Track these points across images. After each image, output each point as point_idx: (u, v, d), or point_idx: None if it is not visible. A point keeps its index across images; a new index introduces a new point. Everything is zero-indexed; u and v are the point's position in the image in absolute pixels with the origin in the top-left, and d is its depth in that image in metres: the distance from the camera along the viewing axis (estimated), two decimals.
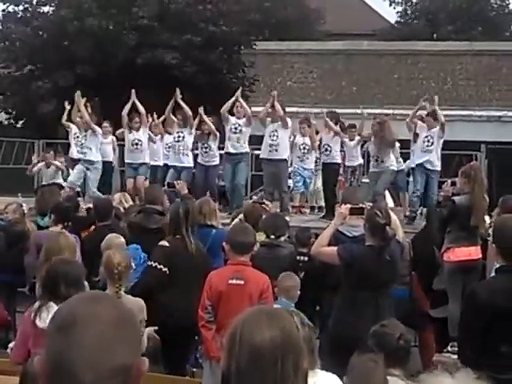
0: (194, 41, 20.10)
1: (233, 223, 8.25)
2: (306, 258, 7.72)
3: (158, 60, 19.54)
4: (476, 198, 7.78)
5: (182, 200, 8.39)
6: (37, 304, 5.16)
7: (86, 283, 5.97)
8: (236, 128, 12.76)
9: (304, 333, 3.47)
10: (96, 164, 13.25)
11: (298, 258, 7.71)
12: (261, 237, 7.26)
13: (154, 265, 6.78)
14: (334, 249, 6.21)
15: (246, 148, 12.98)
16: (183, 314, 6.47)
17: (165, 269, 6.75)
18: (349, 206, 6.59)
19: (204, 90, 19.60)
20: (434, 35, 31.74)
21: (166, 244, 6.89)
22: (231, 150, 12.80)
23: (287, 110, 13.34)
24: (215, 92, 19.73)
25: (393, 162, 12.36)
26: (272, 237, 7.39)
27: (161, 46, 19.80)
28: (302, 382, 2.19)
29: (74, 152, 14.15)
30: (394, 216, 8.02)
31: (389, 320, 4.72)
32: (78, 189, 12.92)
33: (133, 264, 6.82)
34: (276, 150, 12.43)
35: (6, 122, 21.34)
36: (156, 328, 6.22)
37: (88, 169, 13.19)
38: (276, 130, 12.47)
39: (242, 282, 5.96)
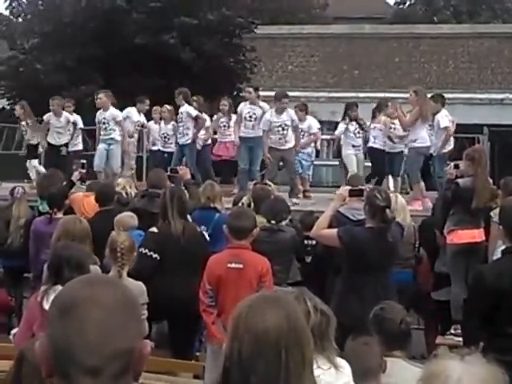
0: (195, 25, 20.01)
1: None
2: (314, 242, 7.71)
3: (159, 43, 19.43)
4: (479, 180, 7.76)
5: (184, 186, 8.39)
6: (43, 287, 5.20)
7: (97, 267, 6.00)
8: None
9: (315, 318, 3.44)
10: (119, 142, 13.35)
11: (305, 242, 7.69)
12: (261, 219, 7.23)
13: (144, 251, 6.80)
14: (335, 231, 6.20)
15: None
16: (175, 298, 6.49)
17: (155, 255, 6.78)
18: (348, 187, 6.58)
19: (201, 77, 19.54)
20: (434, 18, 31.58)
21: (156, 230, 6.92)
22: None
23: (289, 94, 13.27)
24: (213, 77, 19.67)
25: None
26: (273, 222, 7.36)
27: (163, 30, 19.72)
28: (308, 371, 2.18)
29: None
30: (401, 199, 8.02)
31: (386, 303, 4.70)
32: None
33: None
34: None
35: (9, 107, 21.28)
36: None
37: (110, 144, 13.26)
38: None
39: (241, 266, 5.96)
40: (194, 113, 13.03)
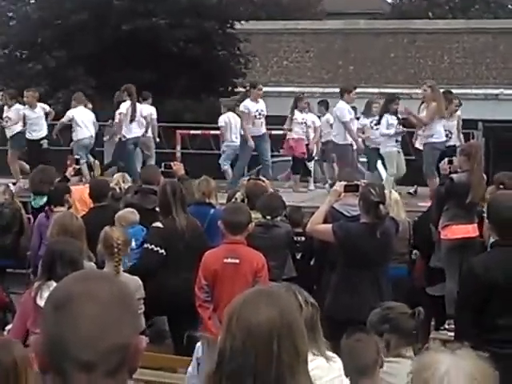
0: (186, 6, 19.82)
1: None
2: (303, 238, 7.73)
3: (149, 27, 19.18)
4: (475, 175, 7.79)
5: (179, 180, 8.39)
6: (37, 283, 5.20)
7: (92, 264, 6.00)
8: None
9: (307, 311, 3.46)
10: None
11: (294, 238, 7.71)
12: (256, 215, 7.24)
13: (150, 247, 6.81)
14: (329, 226, 6.22)
15: None
16: (180, 293, 6.51)
17: (162, 250, 6.80)
18: (343, 183, 6.60)
19: (199, 63, 19.38)
20: (429, 13, 31.56)
21: (161, 225, 6.92)
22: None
23: (284, 89, 13.35)
24: (206, 70, 19.53)
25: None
26: (268, 218, 7.37)
27: (152, 14, 19.48)
28: (302, 365, 2.19)
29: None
30: (396, 194, 8.04)
31: (388, 303, 4.70)
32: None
33: (133, 243, 6.88)
34: None
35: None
36: None
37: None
38: None
39: (237, 261, 5.98)
40: (121, 109, 13.02)
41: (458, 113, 12.94)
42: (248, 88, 13.24)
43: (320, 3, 33.10)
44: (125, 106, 12.94)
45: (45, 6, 20.45)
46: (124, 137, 12.96)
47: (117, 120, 13.12)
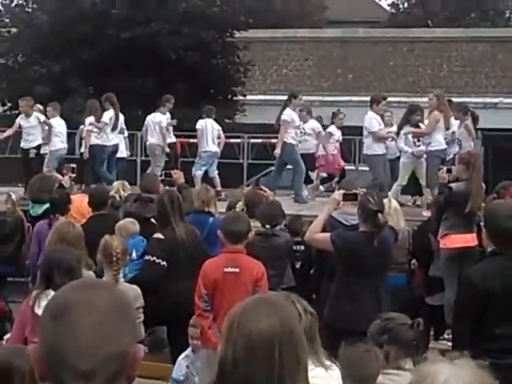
0: (185, 15, 19.85)
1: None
2: (303, 247, 7.72)
3: (149, 35, 19.17)
4: (474, 184, 7.79)
5: (178, 190, 8.39)
6: (35, 292, 5.19)
7: (90, 273, 6.00)
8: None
9: (306, 320, 3.46)
10: None
11: (294, 247, 7.70)
12: (256, 223, 7.23)
13: (152, 259, 6.78)
14: (328, 235, 6.22)
15: None
16: (180, 302, 6.49)
17: (163, 262, 6.77)
18: (342, 191, 6.59)
19: (198, 72, 19.40)
20: (429, 21, 31.61)
21: (161, 237, 6.88)
22: None
23: (283, 98, 13.35)
24: (206, 78, 19.54)
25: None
26: (267, 226, 7.36)
27: (150, 22, 19.53)
28: (302, 373, 2.19)
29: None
30: (395, 203, 8.04)
31: (388, 313, 4.68)
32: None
33: (134, 254, 6.86)
34: None
35: (1, 110, 21.29)
36: None
37: None
38: None
39: (238, 270, 5.96)
40: (104, 118, 13.16)
41: (467, 122, 12.71)
42: (288, 97, 13.27)
43: (323, 13, 33.18)
44: (108, 116, 13.07)
45: (47, 12, 20.51)
46: (103, 145, 13.18)
47: (95, 128, 13.21)
